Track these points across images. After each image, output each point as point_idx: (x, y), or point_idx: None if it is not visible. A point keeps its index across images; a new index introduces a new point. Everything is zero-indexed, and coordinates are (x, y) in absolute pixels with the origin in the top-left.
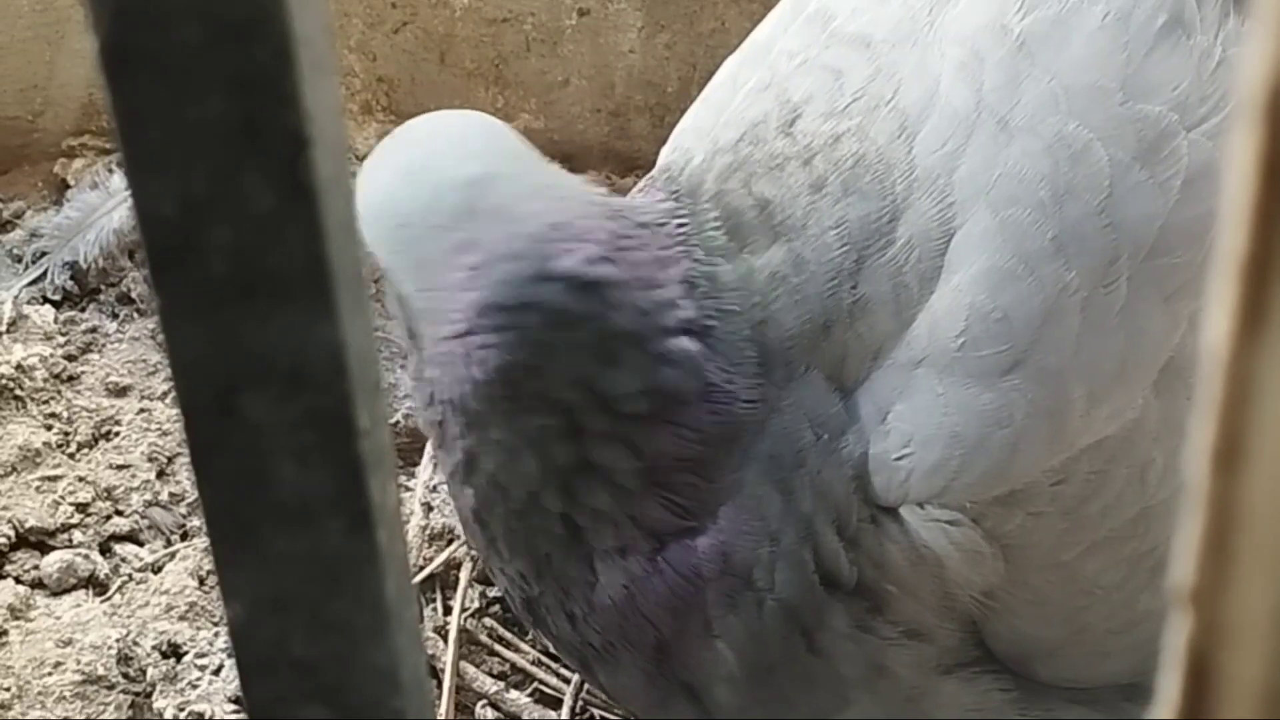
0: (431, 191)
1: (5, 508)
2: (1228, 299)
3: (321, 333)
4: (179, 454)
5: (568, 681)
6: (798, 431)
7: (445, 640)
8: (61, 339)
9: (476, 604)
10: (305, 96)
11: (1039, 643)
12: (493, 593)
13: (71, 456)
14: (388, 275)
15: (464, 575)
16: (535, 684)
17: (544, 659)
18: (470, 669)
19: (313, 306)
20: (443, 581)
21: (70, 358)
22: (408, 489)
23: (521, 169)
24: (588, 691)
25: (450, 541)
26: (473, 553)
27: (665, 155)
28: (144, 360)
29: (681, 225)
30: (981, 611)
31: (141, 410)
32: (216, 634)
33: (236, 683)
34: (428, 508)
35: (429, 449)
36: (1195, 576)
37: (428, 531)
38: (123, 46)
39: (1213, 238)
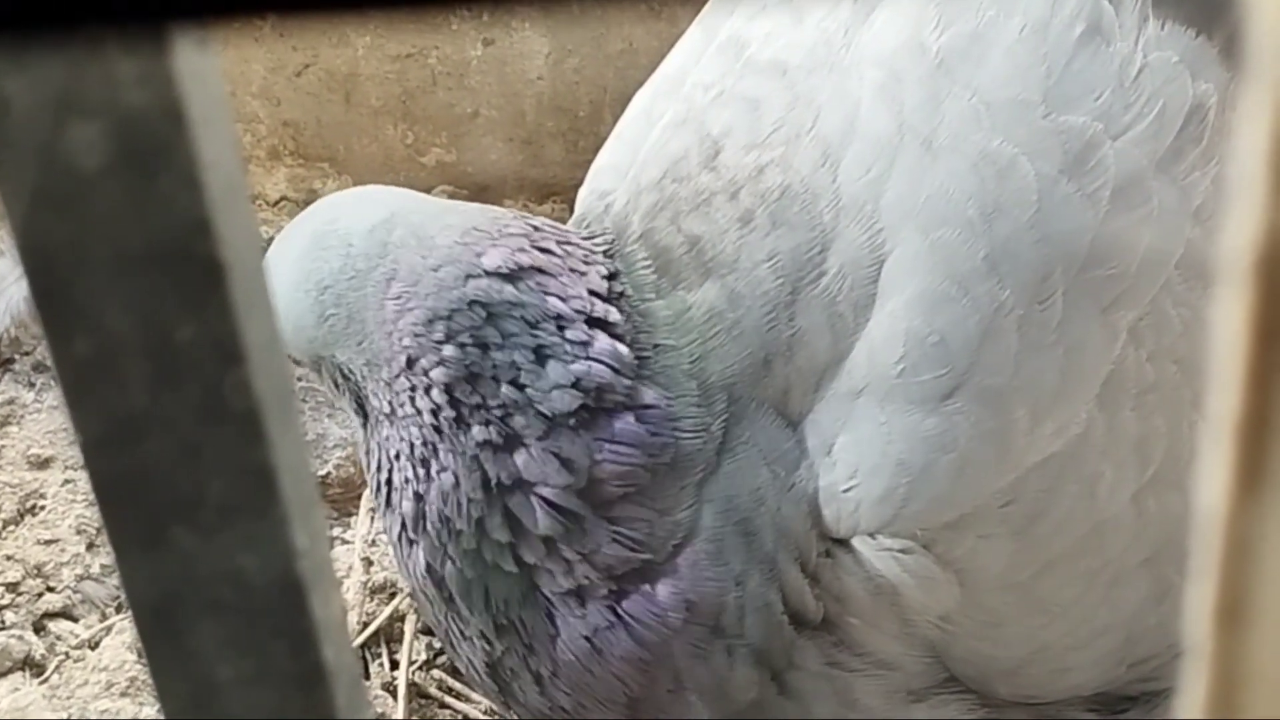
0: (341, 247)
1: None
2: (1224, 459)
3: (253, 457)
4: None
5: None
6: (753, 470)
7: (394, 696)
8: None
9: (424, 656)
10: (220, 225)
11: (998, 662)
12: (439, 644)
13: None
14: (323, 356)
15: (409, 628)
16: None
17: (496, 709)
18: None
19: (245, 432)
20: (387, 636)
21: None
22: (345, 542)
23: (423, 203)
24: None
25: (393, 595)
26: (418, 613)
27: (583, 196)
28: (65, 429)
29: (608, 255)
30: (940, 636)
31: (66, 482)
32: (159, 710)
33: None
34: (367, 562)
35: (365, 501)
36: None
37: (369, 586)
38: (34, 192)
39: (1146, 248)
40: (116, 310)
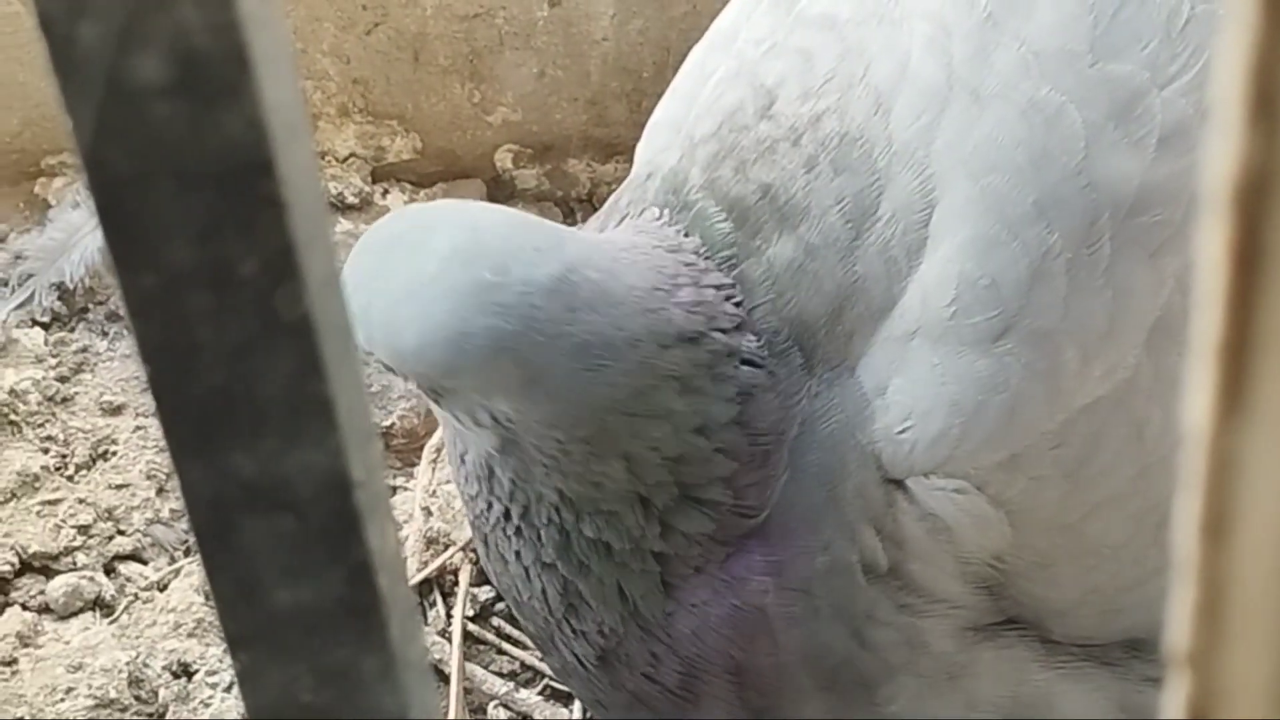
0: (522, 308)
1: (7, 534)
2: (1207, 381)
3: (311, 388)
4: None
5: None
6: (841, 436)
7: (450, 642)
8: (53, 360)
9: (481, 603)
10: (281, 164)
11: (1050, 603)
12: (494, 593)
13: (70, 479)
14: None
15: (464, 578)
16: (545, 680)
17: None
18: (478, 670)
19: (304, 364)
20: (441, 586)
21: (63, 379)
22: (406, 489)
23: (592, 248)
24: None
25: (448, 546)
26: (474, 557)
27: (640, 153)
28: (137, 377)
29: (678, 223)
30: (994, 575)
31: (137, 428)
32: (226, 650)
33: None
34: (427, 512)
35: (427, 452)
36: (1190, 641)
37: (426, 535)
38: (101, 128)
39: (1192, 194)
40: (181, 245)
